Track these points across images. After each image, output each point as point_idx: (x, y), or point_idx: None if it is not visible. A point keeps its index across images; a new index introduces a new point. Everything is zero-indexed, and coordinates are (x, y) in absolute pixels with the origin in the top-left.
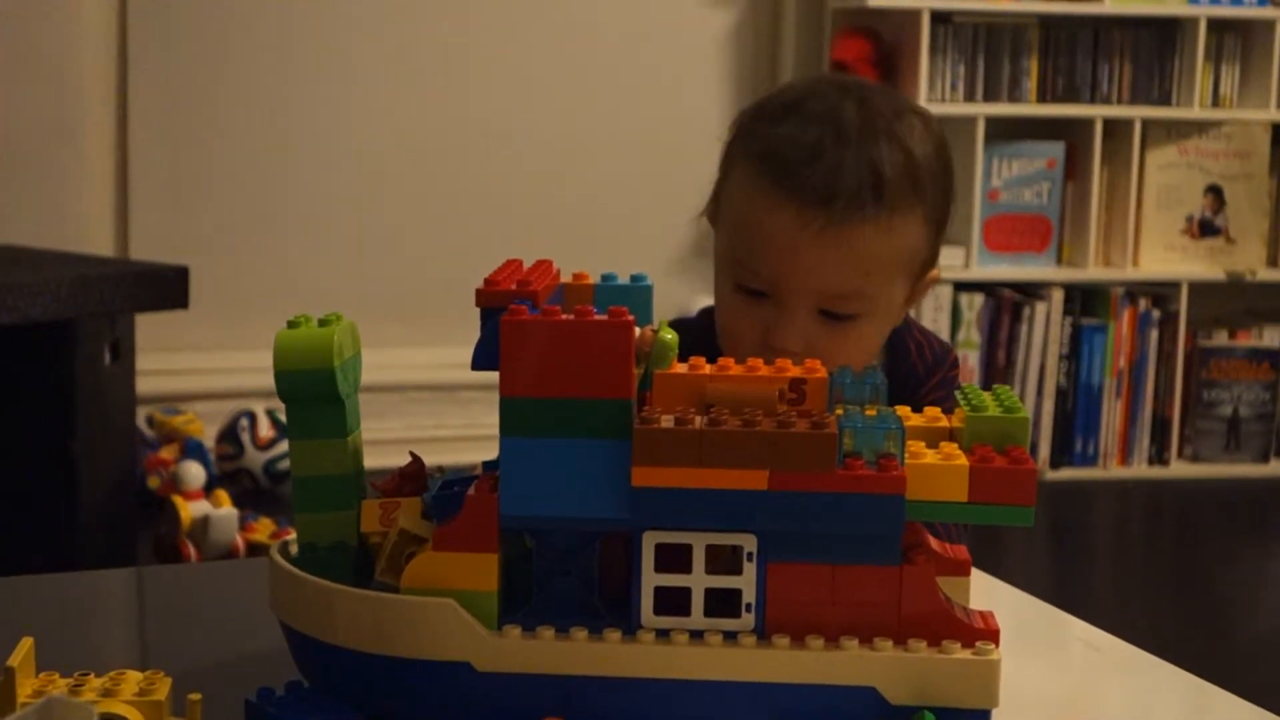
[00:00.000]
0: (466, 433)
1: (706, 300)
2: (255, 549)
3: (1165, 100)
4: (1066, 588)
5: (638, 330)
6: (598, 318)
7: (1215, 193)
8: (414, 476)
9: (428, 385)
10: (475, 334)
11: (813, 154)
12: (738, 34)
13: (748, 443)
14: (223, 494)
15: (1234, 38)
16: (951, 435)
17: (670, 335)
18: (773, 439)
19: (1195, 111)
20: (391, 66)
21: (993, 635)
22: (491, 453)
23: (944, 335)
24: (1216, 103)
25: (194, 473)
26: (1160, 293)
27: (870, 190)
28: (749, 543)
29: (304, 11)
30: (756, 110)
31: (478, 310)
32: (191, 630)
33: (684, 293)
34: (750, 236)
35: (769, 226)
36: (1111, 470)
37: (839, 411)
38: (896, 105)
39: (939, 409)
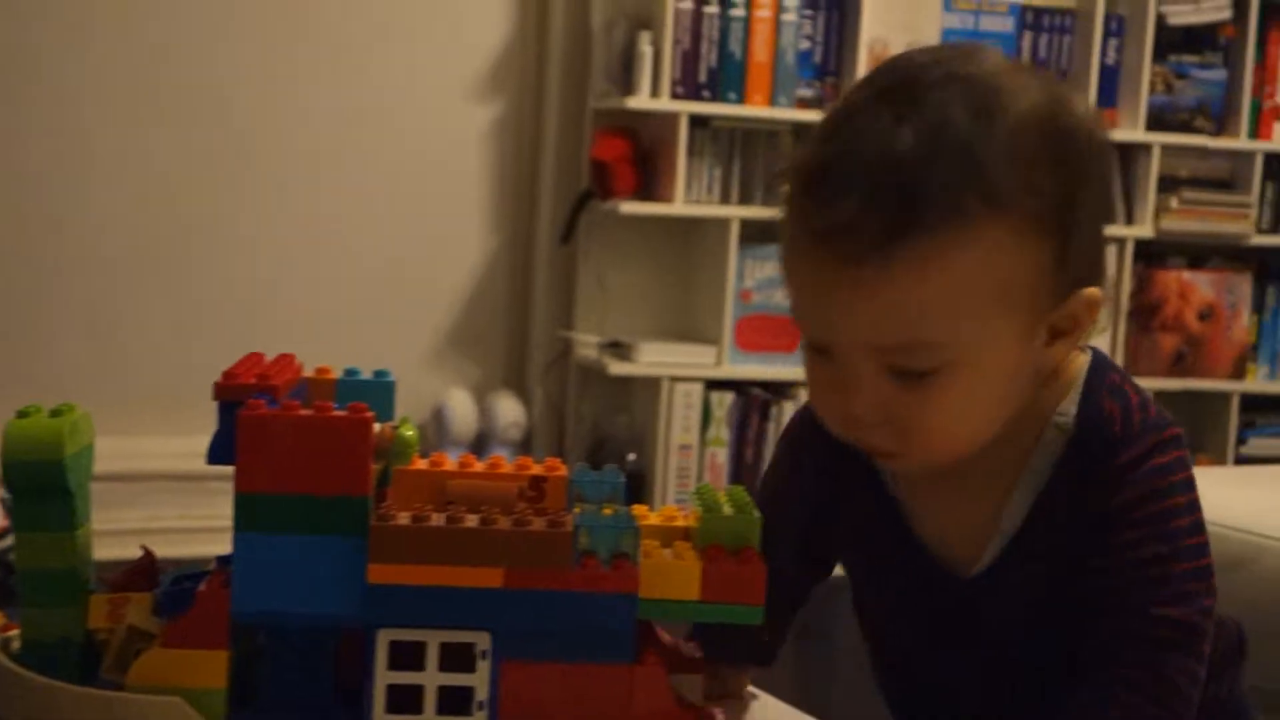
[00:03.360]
0: (212, 524)
1: (459, 393)
2: None
3: None
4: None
5: (377, 426)
6: (336, 413)
7: None
8: (145, 571)
9: (172, 475)
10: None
11: (825, 178)
12: (500, 129)
13: (483, 540)
14: None
15: None
16: (687, 535)
17: (411, 432)
18: (508, 537)
19: None
20: (132, 148)
21: None
22: None
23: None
24: None
25: None
26: None
27: (886, 216)
28: (483, 640)
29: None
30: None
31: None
32: None
33: (436, 385)
34: (789, 280)
35: (799, 269)
36: None
37: (577, 510)
38: (983, 87)
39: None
